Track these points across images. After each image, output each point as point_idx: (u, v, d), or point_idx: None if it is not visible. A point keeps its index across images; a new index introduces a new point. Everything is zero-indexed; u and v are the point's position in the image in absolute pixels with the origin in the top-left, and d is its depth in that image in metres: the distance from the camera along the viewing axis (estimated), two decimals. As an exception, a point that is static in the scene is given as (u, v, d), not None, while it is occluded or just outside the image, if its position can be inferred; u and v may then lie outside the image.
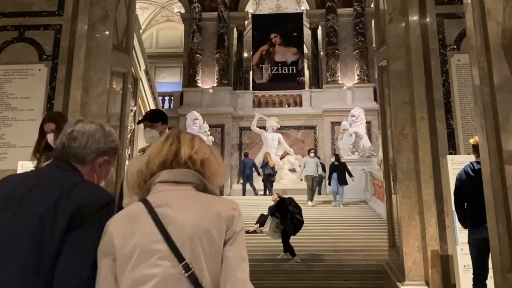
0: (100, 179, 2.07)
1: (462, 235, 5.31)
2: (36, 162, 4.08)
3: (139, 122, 4.47)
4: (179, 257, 1.64)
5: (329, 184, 16.99)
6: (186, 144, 1.86)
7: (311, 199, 16.01)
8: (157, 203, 1.73)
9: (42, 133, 4.24)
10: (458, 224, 5.28)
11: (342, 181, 16.07)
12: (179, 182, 1.80)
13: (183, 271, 1.63)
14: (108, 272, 1.67)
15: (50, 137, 4.12)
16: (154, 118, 4.20)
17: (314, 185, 16.48)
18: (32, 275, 1.69)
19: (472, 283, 4.94)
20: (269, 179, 19.07)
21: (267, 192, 18.53)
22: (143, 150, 3.79)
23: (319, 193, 18.45)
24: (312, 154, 17.17)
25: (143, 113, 17.16)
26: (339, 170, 16.23)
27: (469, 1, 3.30)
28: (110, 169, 2.10)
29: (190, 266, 1.64)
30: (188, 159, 1.83)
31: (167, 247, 1.65)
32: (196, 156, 1.84)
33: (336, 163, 16.72)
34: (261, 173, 19.03)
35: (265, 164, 19.25)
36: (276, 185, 19.08)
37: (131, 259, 1.65)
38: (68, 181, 1.84)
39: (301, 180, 17.55)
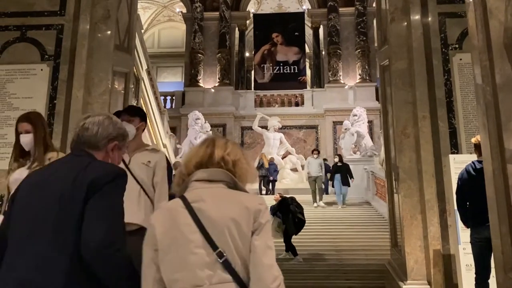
0: (114, 163, 2.31)
1: (464, 234, 5.30)
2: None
3: (115, 113, 4.02)
4: (213, 245, 1.88)
5: (332, 186, 16.82)
6: (219, 147, 2.10)
7: (316, 200, 15.85)
8: (193, 199, 1.97)
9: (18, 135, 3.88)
10: (460, 223, 5.27)
11: (345, 182, 15.99)
12: (212, 181, 2.03)
13: (217, 258, 1.87)
14: (150, 261, 1.92)
15: (25, 138, 3.74)
16: (132, 112, 4.16)
17: (318, 183, 16.14)
18: (59, 242, 1.95)
19: (474, 282, 4.93)
20: (263, 180, 19.01)
21: (264, 193, 18.42)
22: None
23: (327, 193, 18.28)
24: (315, 155, 16.90)
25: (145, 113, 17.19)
26: (342, 171, 16.13)
27: (471, 0, 3.29)
28: (121, 153, 2.36)
29: (223, 253, 1.87)
30: (220, 160, 2.06)
31: (202, 237, 1.89)
32: (228, 158, 2.07)
33: (339, 163, 16.60)
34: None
35: (260, 166, 19.23)
36: (277, 185, 19.06)
37: (171, 248, 1.90)
38: (83, 163, 2.13)
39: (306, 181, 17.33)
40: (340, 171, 16.15)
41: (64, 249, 1.96)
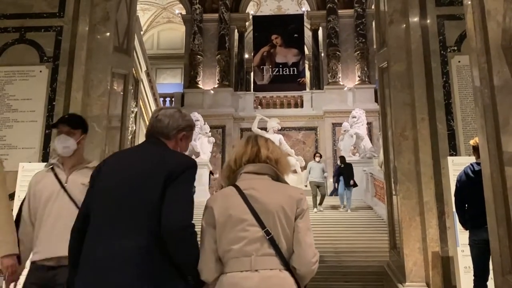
0: (183, 150, 2.63)
1: (462, 236, 5.30)
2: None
3: (53, 126, 3.76)
4: (262, 224, 2.30)
5: (336, 188, 16.35)
6: (263, 146, 2.56)
7: (316, 206, 15.12)
8: (244, 187, 2.40)
9: None
10: (458, 225, 5.27)
11: (348, 184, 15.54)
12: (259, 173, 2.48)
13: (265, 235, 2.29)
14: (210, 237, 2.34)
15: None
16: (74, 123, 3.55)
17: (321, 191, 15.59)
18: (144, 220, 2.25)
19: (472, 284, 4.93)
20: None
21: None
22: None
23: (331, 194, 18.05)
24: (317, 159, 16.23)
25: (144, 115, 17.20)
26: (346, 173, 15.72)
27: (469, 2, 3.29)
28: (188, 142, 2.68)
29: (270, 232, 2.29)
30: (266, 158, 2.51)
31: (253, 217, 2.31)
32: (271, 156, 2.53)
33: (342, 165, 16.19)
34: None
35: None
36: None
37: (227, 225, 2.32)
38: (159, 151, 2.46)
39: (305, 186, 15.97)
40: (343, 173, 15.75)
41: (141, 230, 2.24)
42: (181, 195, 2.29)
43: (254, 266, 2.25)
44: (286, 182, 2.54)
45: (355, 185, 15.72)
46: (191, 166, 2.41)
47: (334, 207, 16.05)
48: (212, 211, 2.37)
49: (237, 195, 2.37)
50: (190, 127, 2.67)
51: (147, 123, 15.64)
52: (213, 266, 2.32)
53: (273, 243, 2.28)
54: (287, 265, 2.29)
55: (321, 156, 17.24)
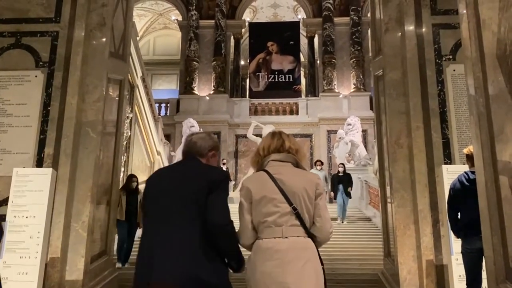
0: (214, 165, 3.30)
1: (457, 244, 5.30)
2: None
3: None
4: (289, 202, 2.99)
5: (335, 198, 15.39)
6: (286, 139, 3.26)
7: None
8: (273, 172, 3.08)
9: None
10: (453, 234, 5.27)
11: (347, 194, 15.05)
12: (283, 161, 3.16)
13: (292, 210, 2.98)
14: (246, 210, 3.06)
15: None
16: None
17: None
18: (195, 219, 2.87)
19: (466, 293, 4.92)
20: None
21: None
22: None
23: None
24: (319, 167, 15.84)
25: (139, 120, 17.16)
26: (345, 182, 15.16)
27: (464, 11, 3.31)
28: (216, 158, 3.37)
29: (296, 208, 2.99)
30: (289, 148, 3.21)
31: (282, 197, 3.00)
32: (293, 147, 3.23)
33: (341, 174, 15.50)
34: None
35: None
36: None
37: (261, 202, 3.02)
38: (200, 165, 3.17)
39: None
40: (342, 182, 15.13)
41: (193, 225, 2.87)
42: (222, 200, 2.96)
43: (285, 234, 2.95)
44: (304, 168, 3.23)
45: (349, 195, 15.26)
46: (226, 177, 3.09)
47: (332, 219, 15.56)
48: (249, 190, 3.07)
49: (269, 179, 3.06)
50: (217, 147, 3.38)
51: (142, 128, 15.63)
52: (250, 233, 3.05)
53: (298, 216, 2.98)
54: (308, 233, 3.00)
55: (322, 164, 16.77)
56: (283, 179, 3.03)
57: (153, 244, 2.89)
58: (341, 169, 15.63)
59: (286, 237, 2.93)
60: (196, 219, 2.87)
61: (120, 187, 9.00)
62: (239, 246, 3.02)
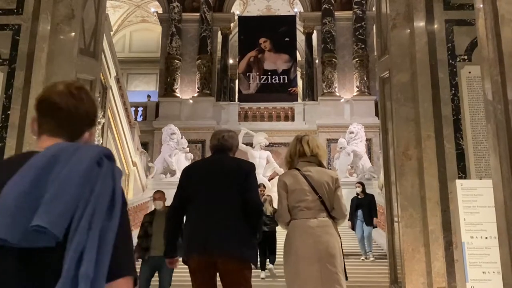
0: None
1: (472, 270, 5.31)
2: None
3: None
4: (316, 192, 4.42)
5: (353, 228, 13.18)
6: (306, 145, 4.66)
7: None
8: (303, 169, 4.53)
9: None
10: (468, 258, 5.28)
11: (369, 221, 12.77)
12: (309, 162, 4.60)
13: (318, 198, 4.42)
14: (284, 198, 4.52)
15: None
16: None
17: None
18: (235, 198, 4.20)
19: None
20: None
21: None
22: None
23: None
24: None
25: (113, 126, 17.11)
26: (365, 206, 12.89)
27: (481, 5, 3.33)
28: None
29: (321, 197, 4.42)
30: (311, 151, 4.63)
31: (310, 188, 4.44)
32: (314, 150, 4.64)
33: (360, 196, 13.20)
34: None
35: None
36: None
37: (295, 192, 4.47)
38: (233, 158, 4.58)
39: None
40: (362, 207, 12.89)
41: (237, 210, 4.19)
42: (255, 186, 4.43)
43: (314, 215, 4.43)
44: (325, 167, 4.79)
45: (372, 224, 12.95)
46: (255, 168, 4.51)
47: (352, 255, 12.85)
48: (285, 183, 4.58)
49: (299, 175, 4.54)
50: (238, 144, 4.85)
51: (116, 135, 15.51)
52: (287, 215, 4.54)
53: (323, 203, 4.46)
54: (329, 215, 4.48)
55: None
56: (311, 175, 4.51)
57: (206, 224, 4.17)
58: (359, 190, 13.34)
59: (315, 218, 4.42)
60: (237, 201, 4.20)
61: None
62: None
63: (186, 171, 4.59)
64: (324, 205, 4.44)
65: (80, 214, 1.48)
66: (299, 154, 4.64)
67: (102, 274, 1.46)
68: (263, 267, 11.00)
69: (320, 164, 4.65)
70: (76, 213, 1.48)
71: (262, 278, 10.83)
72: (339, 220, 4.56)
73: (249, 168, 4.40)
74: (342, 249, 4.48)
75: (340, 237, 4.49)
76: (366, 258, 12.66)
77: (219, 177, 4.31)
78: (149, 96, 28.45)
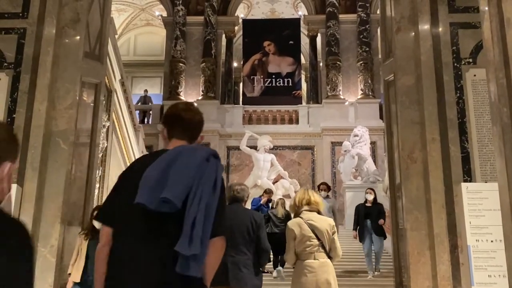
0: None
1: (478, 274, 5.29)
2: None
3: None
4: (318, 238, 5.54)
5: (360, 239, 12.02)
6: (312, 195, 5.86)
7: None
8: (306, 218, 5.63)
9: None
10: (473, 261, 5.27)
11: (379, 231, 11.81)
12: (311, 210, 5.71)
13: (320, 243, 5.55)
14: (292, 244, 5.61)
15: None
16: None
17: None
18: (250, 245, 5.44)
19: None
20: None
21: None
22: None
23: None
24: (323, 193, 11.91)
25: (118, 129, 17.13)
26: (374, 216, 11.83)
27: (486, 8, 3.33)
28: None
29: (322, 242, 5.56)
30: (314, 201, 5.78)
31: (313, 235, 5.54)
32: (317, 200, 5.83)
33: (369, 204, 12.09)
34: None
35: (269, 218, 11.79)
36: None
37: (302, 239, 5.54)
38: (247, 210, 6.03)
39: None
40: (371, 216, 11.83)
41: (250, 252, 5.43)
42: (265, 234, 5.65)
43: (316, 257, 5.47)
44: (323, 215, 5.87)
45: (384, 234, 11.89)
46: (263, 218, 5.98)
47: (355, 272, 12.46)
48: (294, 231, 5.55)
49: (304, 223, 5.56)
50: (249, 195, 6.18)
51: (121, 138, 15.56)
52: (293, 257, 5.58)
53: (323, 246, 5.51)
54: (328, 256, 5.54)
55: (329, 188, 13.05)
56: (313, 223, 5.54)
57: (226, 262, 4.92)
58: (369, 197, 12.08)
59: (317, 259, 5.48)
60: (251, 245, 5.37)
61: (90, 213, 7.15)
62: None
63: None
64: (323, 248, 5.53)
65: (194, 193, 2.44)
66: (306, 202, 5.73)
67: (207, 233, 2.44)
68: (275, 266, 11.50)
69: (319, 212, 5.73)
70: (190, 192, 2.44)
71: (275, 277, 11.34)
72: (335, 260, 5.67)
73: (260, 220, 5.59)
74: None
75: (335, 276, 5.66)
76: (373, 273, 11.68)
77: (236, 226, 5.29)
78: (146, 91, 28.58)
